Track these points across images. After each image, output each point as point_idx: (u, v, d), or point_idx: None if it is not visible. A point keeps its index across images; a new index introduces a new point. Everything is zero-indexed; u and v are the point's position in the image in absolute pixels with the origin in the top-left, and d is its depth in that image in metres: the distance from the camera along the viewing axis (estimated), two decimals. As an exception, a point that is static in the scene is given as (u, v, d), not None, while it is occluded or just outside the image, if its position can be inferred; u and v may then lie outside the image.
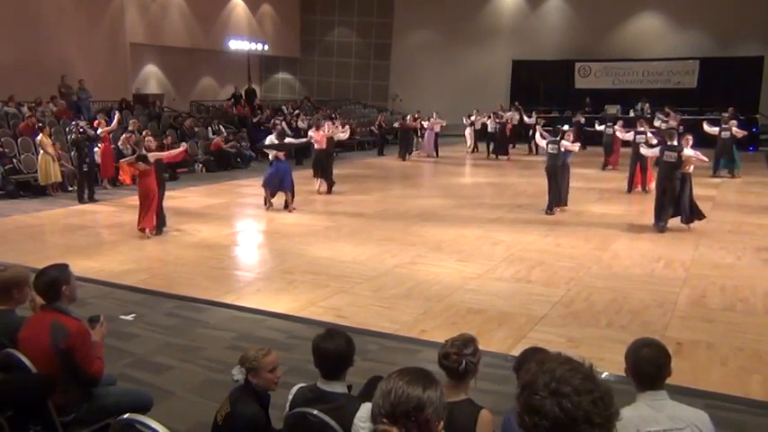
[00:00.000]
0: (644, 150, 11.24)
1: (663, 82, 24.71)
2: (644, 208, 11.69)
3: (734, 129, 15.36)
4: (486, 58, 26.73)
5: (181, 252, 8.38)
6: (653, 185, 13.08)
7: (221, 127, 19.73)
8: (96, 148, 13.81)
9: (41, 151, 13.25)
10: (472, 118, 21.77)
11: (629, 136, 13.47)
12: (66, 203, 12.38)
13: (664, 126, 16.67)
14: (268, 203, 11.31)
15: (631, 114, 21.25)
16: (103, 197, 12.99)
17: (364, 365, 4.27)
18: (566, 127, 11.96)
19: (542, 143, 11.79)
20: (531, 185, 14.25)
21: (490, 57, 26.64)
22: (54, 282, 3.24)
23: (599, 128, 17.71)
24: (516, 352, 4.98)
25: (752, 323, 5.66)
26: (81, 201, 12.41)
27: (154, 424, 2.21)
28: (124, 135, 14.81)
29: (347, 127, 16.13)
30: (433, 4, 27.22)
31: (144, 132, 16.16)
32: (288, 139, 11.61)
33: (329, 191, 13.16)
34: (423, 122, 21.36)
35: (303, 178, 13.33)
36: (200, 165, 17.56)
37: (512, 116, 21.87)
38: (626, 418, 2.25)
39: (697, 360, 4.89)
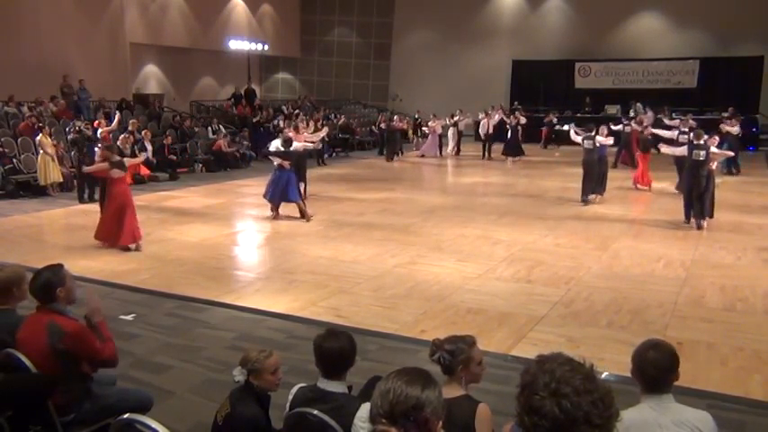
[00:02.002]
0: (669, 149, 11.25)
1: (663, 82, 24.72)
2: (644, 208, 11.71)
3: (728, 127, 15.93)
4: (486, 58, 26.73)
5: (181, 252, 8.37)
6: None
7: (221, 127, 19.74)
8: (96, 149, 13.79)
9: (41, 151, 13.25)
10: (455, 118, 21.25)
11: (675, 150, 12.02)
12: (67, 203, 12.37)
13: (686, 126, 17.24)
14: (275, 212, 10.60)
15: (631, 115, 21.26)
16: (103, 197, 12.97)
17: (364, 365, 4.26)
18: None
19: (578, 139, 12.24)
20: (532, 185, 14.27)
21: (490, 57, 26.64)
22: (47, 284, 3.22)
23: (615, 127, 17.59)
24: (516, 352, 5.00)
25: (752, 323, 5.66)
26: (81, 201, 12.41)
27: (154, 424, 2.21)
28: (123, 135, 14.82)
29: (325, 128, 15.62)
30: (433, 4, 27.23)
31: (144, 132, 16.25)
32: (295, 145, 10.70)
33: (305, 195, 12.17)
34: (427, 123, 21.25)
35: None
36: (200, 165, 17.57)
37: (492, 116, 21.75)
38: (628, 420, 2.24)
39: (697, 360, 4.89)
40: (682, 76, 24.46)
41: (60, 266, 3.33)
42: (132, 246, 8.45)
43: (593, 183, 11.79)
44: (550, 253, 8.14)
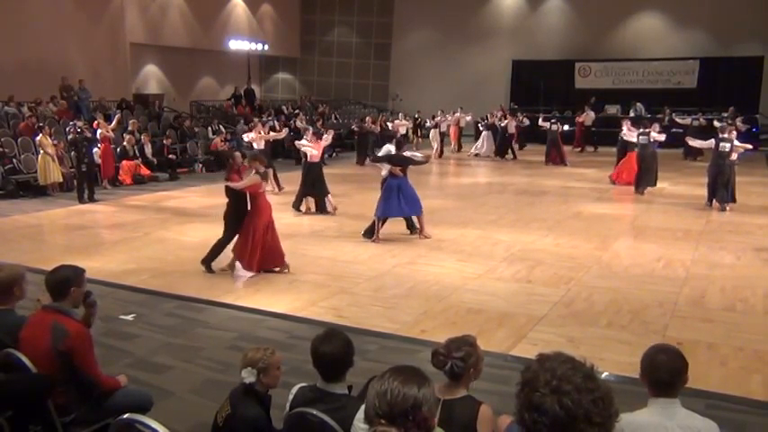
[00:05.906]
0: (696, 143, 12.68)
1: (663, 82, 24.72)
2: (644, 207, 11.71)
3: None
4: (486, 58, 26.73)
5: (181, 252, 8.37)
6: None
7: (221, 127, 19.73)
8: (96, 149, 13.80)
9: (41, 151, 13.25)
10: (437, 119, 20.95)
11: (633, 136, 13.58)
12: (67, 203, 12.37)
13: (696, 124, 18.99)
14: (375, 236, 8.84)
15: (631, 114, 21.28)
16: (103, 197, 12.98)
17: (364, 365, 4.26)
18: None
19: (632, 136, 13.28)
20: (532, 185, 14.26)
21: (490, 57, 26.64)
22: (65, 281, 3.26)
23: (543, 124, 18.76)
24: (516, 352, 5.01)
25: (752, 323, 5.66)
26: (81, 201, 12.41)
27: (154, 424, 2.22)
28: (122, 134, 14.83)
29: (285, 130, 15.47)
30: (433, 3, 27.24)
31: (144, 136, 16.24)
32: (408, 153, 9.04)
33: (317, 208, 11.14)
34: (388, 124, 20.36)
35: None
36: (200, 165, 17.56)
37: (460, 117, 21.74)
38: (636, 425, 2.24)
39: (697, 360, 4.88)
40: (682, 76, 24.47)
41: (82, 270, 3.41)
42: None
43: (649, 176, 12.75)
44: (550, 253, 8.14)
